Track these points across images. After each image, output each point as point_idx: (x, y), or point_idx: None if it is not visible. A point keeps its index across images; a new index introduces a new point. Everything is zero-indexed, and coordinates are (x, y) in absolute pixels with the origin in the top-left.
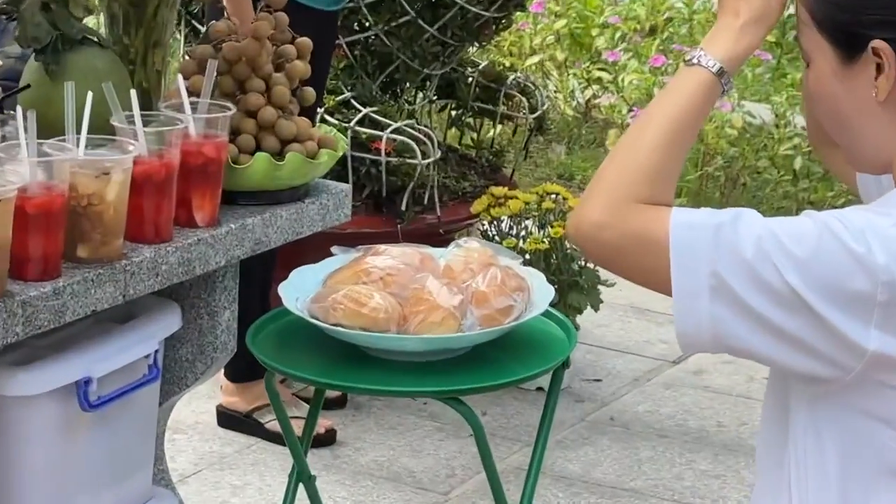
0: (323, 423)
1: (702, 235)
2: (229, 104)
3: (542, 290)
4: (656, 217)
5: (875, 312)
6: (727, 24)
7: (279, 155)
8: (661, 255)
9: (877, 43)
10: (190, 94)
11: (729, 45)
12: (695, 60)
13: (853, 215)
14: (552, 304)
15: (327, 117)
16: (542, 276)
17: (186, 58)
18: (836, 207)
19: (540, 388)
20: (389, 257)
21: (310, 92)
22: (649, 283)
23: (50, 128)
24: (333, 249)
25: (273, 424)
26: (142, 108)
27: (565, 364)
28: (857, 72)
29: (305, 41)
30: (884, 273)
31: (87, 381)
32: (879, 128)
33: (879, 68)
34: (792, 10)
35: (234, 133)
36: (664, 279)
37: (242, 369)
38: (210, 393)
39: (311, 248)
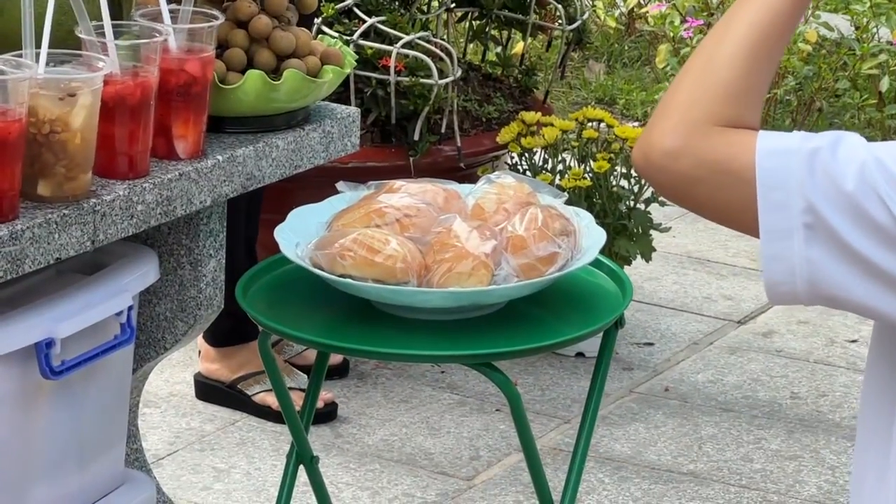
0: (322, 395)
1: (794, 163)
2: (216, 12)
3: (591, 235)
4: (740, 142)
5: None
6: None
7: (275, 72)
8: (747, 187)
9: None
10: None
11: None
12: None
13: None
14: (604, 251)
15: (325, 29)
16: (591, 218)
17: None
18: None
19: (580, 354)
20: (407, 195)
21: None
22: (733, 221)
23: (3, 41)
24: (339, 186)
25: (262, 397)
26: (113, 18)
27: (619, 324)
28: None
29: None
30: None
31: (49, 343)
32: None
33: None
34: None
35: (222, 47)
36: (750, 216)
37: (226, 331)
38: (186, 360)
39: (305, 188)
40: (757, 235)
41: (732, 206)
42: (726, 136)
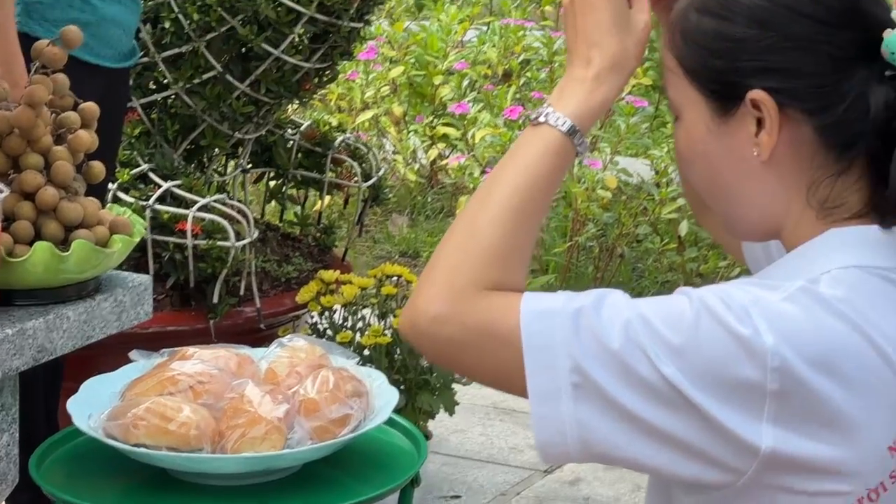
0: None
1: (559, 325)
2: (1, 185)
3: (383, 394)
4: (505, 305)
5: (767, 404)
6: (578, 75)
7: (63, 244)
8: (514, 350)
9: (755, 94)
10: None
11: (581, 98)
12: (541, 119)
13: (736, 291)
14: (397, 410)
15: (121, 195)
16: (383, 377)
17: None
18: (730, 279)
19: None
20: (200, 361)
21: (98, 167)
22: (503, 384)
23: None
24: (132, 355)
25: None
26: None
27: (415, 481)
28: (734, 127)
29: (91, 106)
30: (773, 357)
31: None
32: (763, 190)
33: (760, 123)
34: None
35: (8, 219)
36: (520, 379)
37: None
38: None
39: (106, 354)
40: (528, 397)
41: (501, 370)
42: (491, 300)
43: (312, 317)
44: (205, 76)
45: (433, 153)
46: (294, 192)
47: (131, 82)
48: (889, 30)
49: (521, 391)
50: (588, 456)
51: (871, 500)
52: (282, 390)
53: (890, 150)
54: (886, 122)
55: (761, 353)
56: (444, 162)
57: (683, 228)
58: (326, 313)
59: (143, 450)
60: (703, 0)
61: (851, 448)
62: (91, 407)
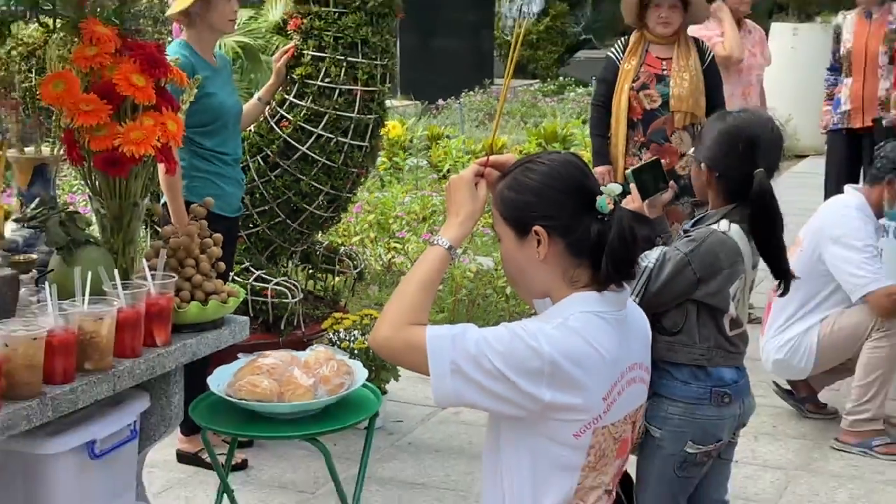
0: (238, 455)
1: (445, 342)
2: (173, 274)
3: (361, 373)
4: (419, 333)
5: (544, 378)
6: (451, 220)
7: (204, 302)
8: (423, 355)
9: (536, 228)
10: (150, 269)
11: (453, 232)
12: (434, 242)
13: (530, 323)
14: (368, 380)
15: (236, 278)
16: (360, 365)
17: (149, 248)
18: (528, 316)
19: (366, 428)
20: (272, 358)
21: (221, 265)
22: (419, 370)
23: (67, 294)
24: (239, 356)
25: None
26: (123, 278)
27: (376, 414)
28: (526, 244)
29: (218, 236)
30: (548, 356)
31: (93, 442)
32: (542, 275)
33: (539, 242)
34: None
35: (177, 291)
36: (426, 368)
37: (190, 427)
38: (171, 441)
39: (227, 355)
40: (430, 375)
41: (417, 364)
42: (412, 330)
43: (329, 335)
44: (274, 221)
45: (389, 256)
46: (320, 274)
47: (239, 223)
48: (599, 196)
49: (427, 373)
50: (460, 403)
51: (596, 421)
52: (312, 372)
53: (600, 256)
54: (599, 242)
55: (542, 354)
56: (394, 260)
57: (508, 290)
58: (336, 334)
59: (244, 401)
60: (508, 183)
61: (585, 399)
62: (219, 381)
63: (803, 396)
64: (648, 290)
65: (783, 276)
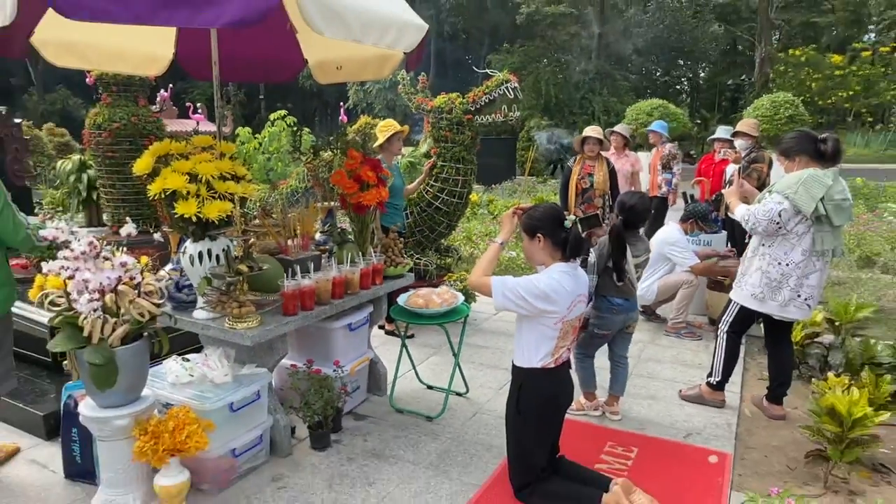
0: (410, 332)
1: (498, 283)
2: (382, 255)
3: (461, 297)
4: (488, 280)
5: (540, 299)
6: (502, 233)
7: (395, 267)
8: (489, 288)
9: (539, 234)
10: (374, 253)
11: (502, 237)
12: (494, 241)
13: (535, 277)
14: (464, 301)
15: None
16: (461, 294)
17: (375, 242)
18: (533, 274)
19: (462, 322)
20: (423, 290)
21: (402, 253)
22: (487, 295)
23: (340, 261)
24: (409, 289)
25: (398, 332)
26: (363, 256)
27: (468, 315)
28: (534, 242)
29: (399, 241)
30: (542, 289)
31: (350, 323)
32: (540, 256)
33: (539, 241)
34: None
35: (386, 262)
36: (490, 294)
37: (389, 319)
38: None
39: (405, 289)
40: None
41: (487, 292)
42: (485, 279)
43: (447, 283)
44: (423, 234)
45: (471, 251)
46: (441, 257)
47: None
48: (565, 220)
49: (491, 296)
50: (504, 309)
51: (563, 319)
52: (441, 296)
53: (566, 247)
54: (565, 241)
55: (539, 288)
56: (475, 253)
57: (523, 263)
58: (450, 282)
59: (411, 308)
60: (527, 216)
61: (558, 308)
62: (402, 300)
63: (651, 312)
64: (597, 268)
65: (619, 268)
